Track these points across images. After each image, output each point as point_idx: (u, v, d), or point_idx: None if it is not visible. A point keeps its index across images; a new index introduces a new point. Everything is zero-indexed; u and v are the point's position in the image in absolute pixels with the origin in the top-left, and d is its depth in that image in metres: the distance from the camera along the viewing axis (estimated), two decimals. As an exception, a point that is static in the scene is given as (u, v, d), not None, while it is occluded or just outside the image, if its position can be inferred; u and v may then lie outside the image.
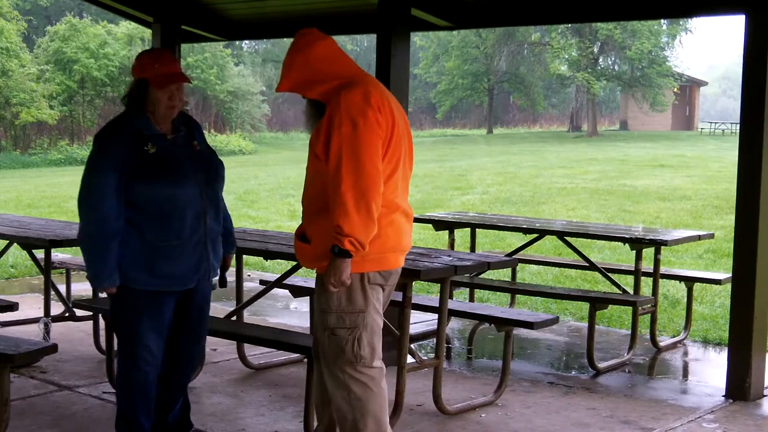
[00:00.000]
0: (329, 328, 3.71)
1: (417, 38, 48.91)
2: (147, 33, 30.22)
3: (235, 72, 45.24)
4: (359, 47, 60.66)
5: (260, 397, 5.27)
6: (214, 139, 40.15)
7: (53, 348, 4.19)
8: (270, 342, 4.90)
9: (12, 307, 4.95)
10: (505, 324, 5.22)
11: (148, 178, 3.86)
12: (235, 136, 41.07)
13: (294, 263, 5.30)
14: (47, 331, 6.00)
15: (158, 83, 3.90)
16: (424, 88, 56.28)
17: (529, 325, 5.18)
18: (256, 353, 5.97)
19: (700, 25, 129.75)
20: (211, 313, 4.43)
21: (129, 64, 40.88)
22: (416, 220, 7.49)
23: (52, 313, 6.22)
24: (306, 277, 6.23)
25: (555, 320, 5.41)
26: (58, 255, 6.99)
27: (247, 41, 52.44)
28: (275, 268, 9.23)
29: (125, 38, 39.25)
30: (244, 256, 6.06)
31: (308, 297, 5.91)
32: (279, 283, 5.87)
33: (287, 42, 4.08)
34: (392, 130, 3.62)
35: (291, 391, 5.34)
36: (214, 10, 8.37)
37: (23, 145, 35.58)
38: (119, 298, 3.94)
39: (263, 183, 21.21)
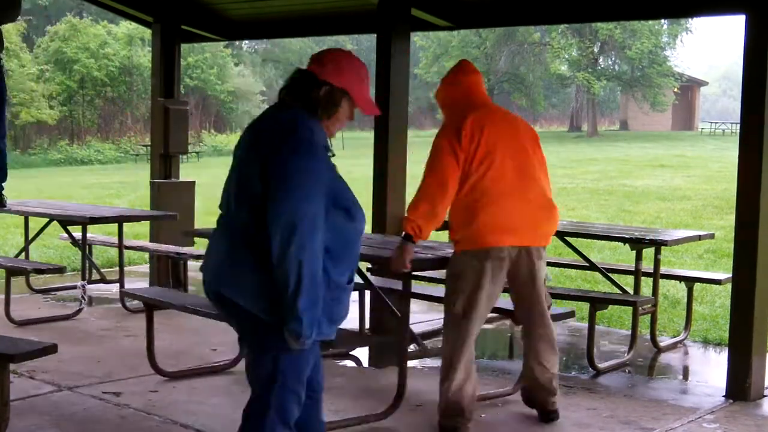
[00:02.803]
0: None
1: (417, 38, 48.88)
2: (147, 33, 30.21)
3: (235, 72, 45.25)
4: (359, 47, 60.66)
5: (260, 397, 5.25)
6: (214, 139, 40.19)
7: (53, 348, 4.19)
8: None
9: (61, 270, 6.89)
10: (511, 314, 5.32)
11: (349, 204, 3.15)
12: (235, 136, 41.00)
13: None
14: (84, 291, 7.19)
15: (361, 102, 3.22)
16: (424, 88, 56.22)
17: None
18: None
19: (701, 25, 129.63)
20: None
21: (129, 64, 40.87)
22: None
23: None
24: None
25: (571, 314, 5.60)
26: (77, 234, 7.88)
27: (247, 41, 52.45)
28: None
29: (125, 38, 39.27)
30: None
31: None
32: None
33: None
34: (478, 145, 4.43)
35: (291, 391, 5.33)
36: (214, 10, 8.38)
37: (23, 145, 35.59)
38: (294, 352, 3.09)
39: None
